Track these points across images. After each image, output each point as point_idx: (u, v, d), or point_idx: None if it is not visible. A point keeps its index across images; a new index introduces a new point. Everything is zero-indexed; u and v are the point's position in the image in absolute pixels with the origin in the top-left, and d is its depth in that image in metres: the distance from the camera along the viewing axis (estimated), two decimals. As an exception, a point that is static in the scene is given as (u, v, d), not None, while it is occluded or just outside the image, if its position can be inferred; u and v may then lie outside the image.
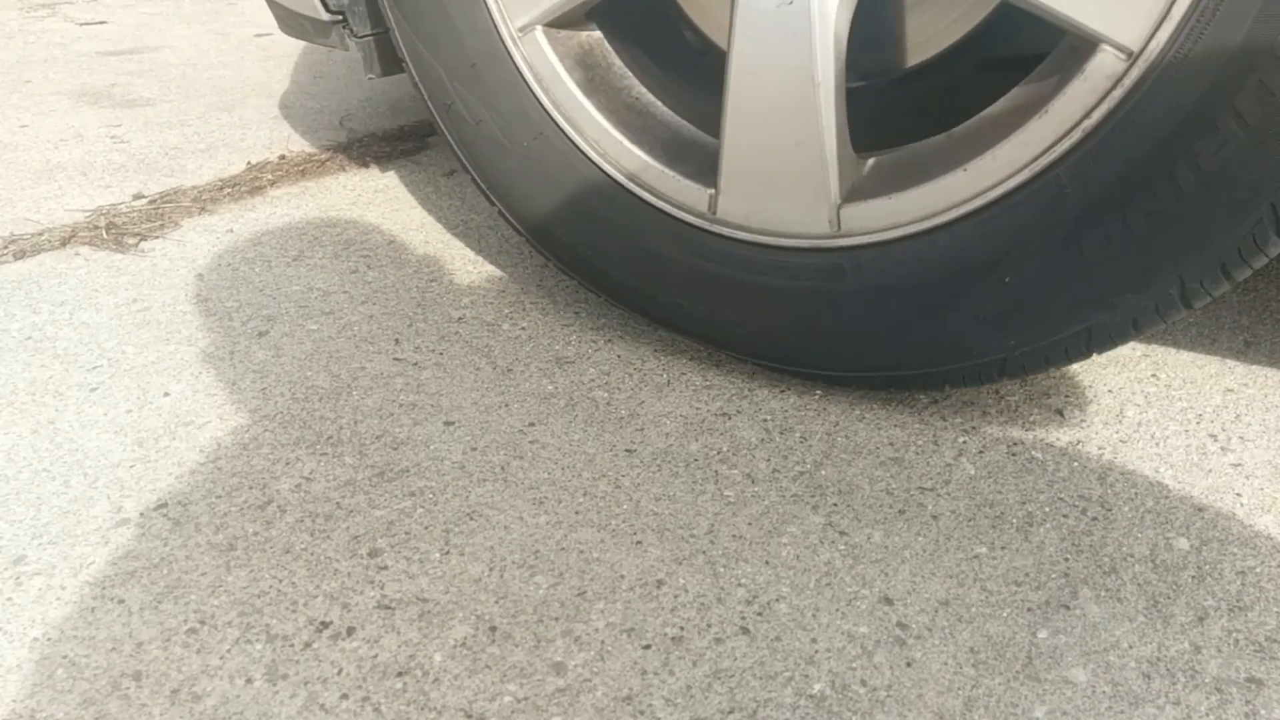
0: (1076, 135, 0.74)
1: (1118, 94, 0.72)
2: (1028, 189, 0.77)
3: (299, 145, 1.61)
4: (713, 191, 0.89)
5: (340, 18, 1.14)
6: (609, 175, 0.94)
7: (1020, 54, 1.06)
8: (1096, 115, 0.73)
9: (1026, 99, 0.79)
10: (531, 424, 0.89)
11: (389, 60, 1.15)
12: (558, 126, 0.95)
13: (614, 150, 0.93)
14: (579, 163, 0.96)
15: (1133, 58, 0.71)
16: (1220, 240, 0.73)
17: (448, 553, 0.73)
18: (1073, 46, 0.75)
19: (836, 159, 0.83)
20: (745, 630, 0.67)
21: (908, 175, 0.84)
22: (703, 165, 0.91)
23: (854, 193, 0.85)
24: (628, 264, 0.97)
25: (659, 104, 0.98)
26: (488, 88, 0.98)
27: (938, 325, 0.85)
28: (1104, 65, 0.72)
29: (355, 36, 1.14)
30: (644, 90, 0.99)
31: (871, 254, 0.85)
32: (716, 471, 0.83)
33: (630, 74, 0.99)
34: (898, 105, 1.16)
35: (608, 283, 1.00)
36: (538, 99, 0.96)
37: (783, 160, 0.85)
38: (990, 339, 0.83)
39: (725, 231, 0.90)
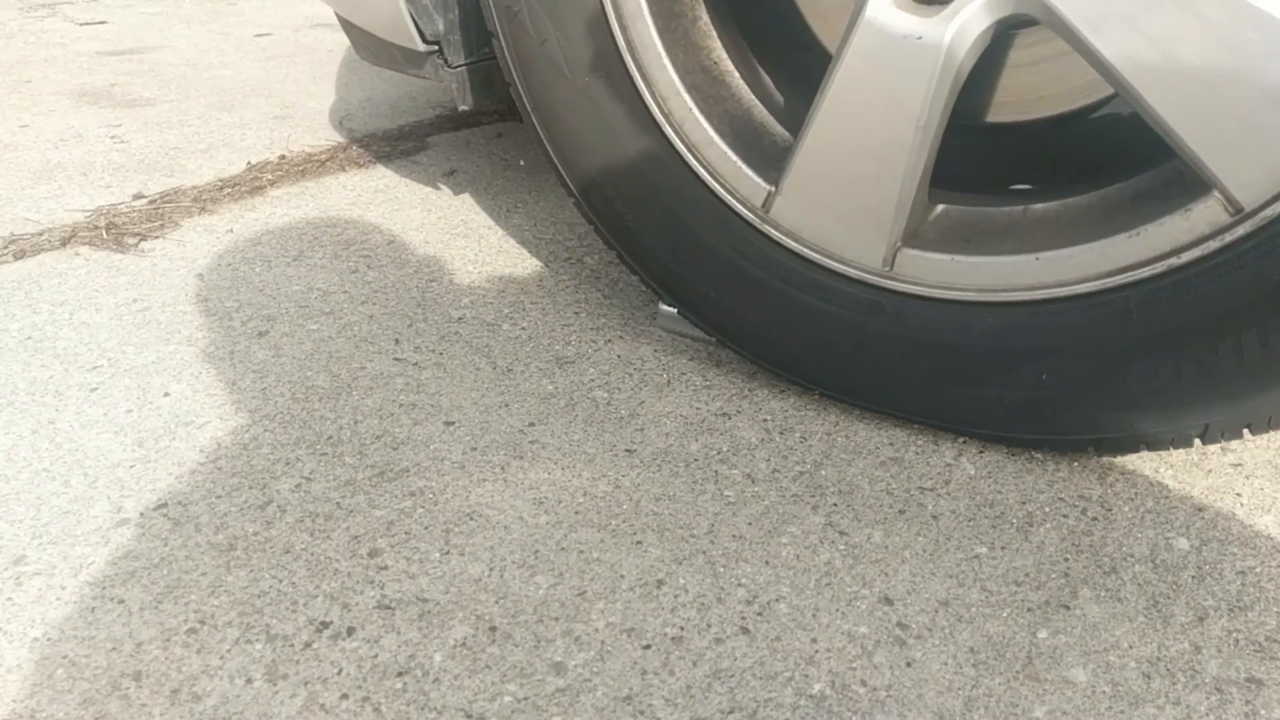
0: (1160, 268, 0.72)
1: (1214, 244, 0.69)
2: (1094, 299, 0.75)
3: (299, 145, 1.61)
4: (772, 190, 0.84)
5: (435, 47, 1.09)
6: (667, 138, 0.88)
7: (1117, 154, 1.01)
8: (1186, 257, 0.71)
9: (1118, 206, 0.76)
10: (531, 424, 0.89)
11: (480, 91, 1.12)
12: (626, 70, 0.88)
13: (679, 114, 0.87)
14: (639, 115, 0.89)
15: (1241, 216, 0.68)
16: (1259, 407, 0.73)
17: (448, 553, 0.73)
18: (1181, 175, 0.72)
19: (911, 202, 0.79)
20: (745, 630, 0.67)
21: (974, 239, 0.80)
22: (768, 158, 0.86)
23: (915, 237, 0.82)
24: (661, 234, 0.92)
25: (736, 75, 0.91)
26: (562, 8, 0.90)
27: (960, 392, 0.83)
28: (1210, 212, 0.69)
29: (449, 67, 1.10)
30: (724, 56, 0.91)
31: (916, 305, 0.82)
32: (716, 471, 0.83)
33: (715, 35, 0.91)
34: (985, 154, 1.10)
35: (635, 246, 0.95)
36: (613, 35, 0.88)
37: (856, 187, 0.81)
38: (1005, 420, 0.83)
39: (773, 234, 0.86)
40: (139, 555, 0.73)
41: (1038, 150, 1.10)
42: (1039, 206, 0.80)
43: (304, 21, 2.66)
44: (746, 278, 0.89)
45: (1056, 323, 0.77)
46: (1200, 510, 0.79)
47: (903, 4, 0.75)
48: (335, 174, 1.49)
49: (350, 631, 0.66)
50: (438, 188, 1.44)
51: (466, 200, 1.40)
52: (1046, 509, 0.79)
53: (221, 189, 1.41)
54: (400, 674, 0.63)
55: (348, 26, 1.28)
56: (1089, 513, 0.79)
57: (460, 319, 1.07)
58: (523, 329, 1.05)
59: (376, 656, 0.65)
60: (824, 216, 0.83)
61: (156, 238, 1.26)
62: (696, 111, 0.87)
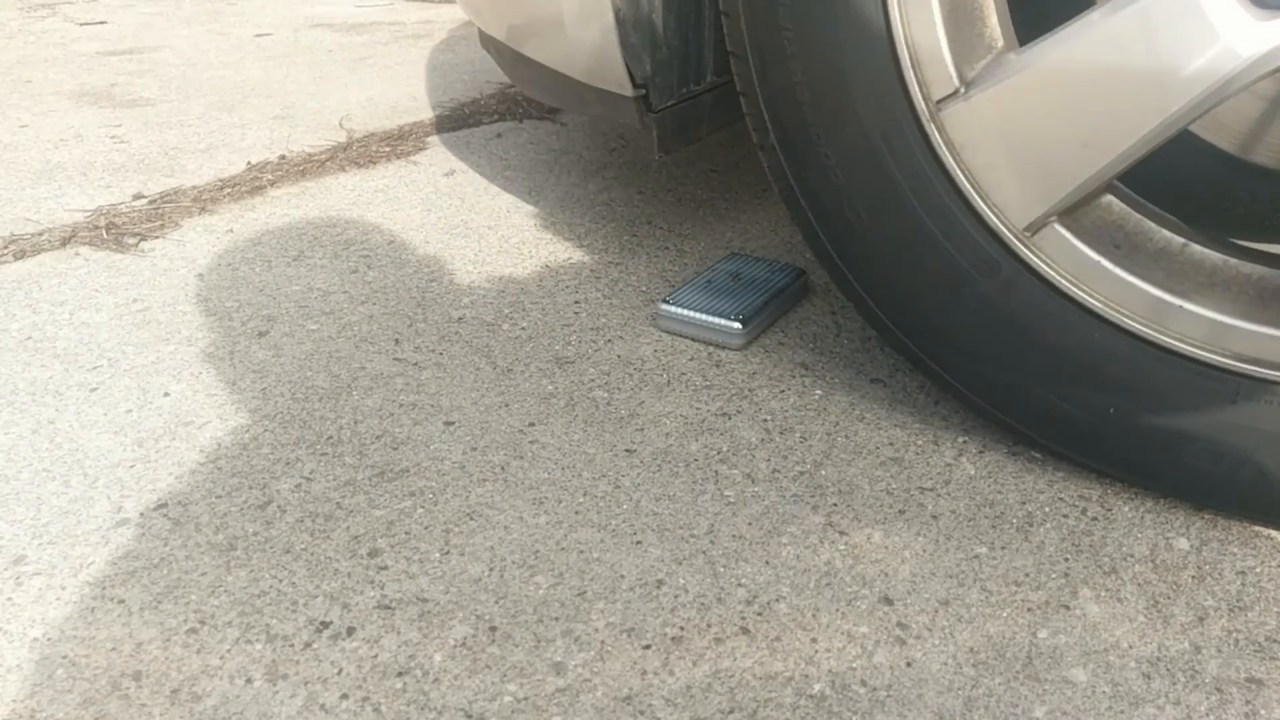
0: None
1: None
2: (1208, 370, 0.72)
3: (299, 145, 1.61)
4: (959, 89, 0.73)
5: (644, 91, 1.01)
6: None
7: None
8: None
9: (1276, 296, 0.71)
10: (531, 424, 0.89)
11: (676, 136, 1.06)
12: None
13: None
14: None
15: None
16: None
17: (448, 553, 0.73)
18: None
19: (1096, 185, 0.72)
20: (745, 630, 0.67)
21: (1125, 248, 0.74)
22: (968, 50, 0.74)
23: (1071, 217, 0.74)
24: (815, 75, 0.79)
25: None
26: None
27: (1019, 383, 0.79)
28: None
29: (652, 111, 1.02)
30: None
31: (1033, 285, 0.76)
32: (716, 471, 0.83)
33: None
34: (1173, 160, 1.00)
35: (774, 71, 0.81)
36: None
37: (1056, 142, 0.71)
38: (1043, 426, 0.80)
39: (932, 138, 0.75)
40: (139, 555, 0.73)
41: (1226, 186, 1.02)
42: (1199, 249, 0.74)
43: (304, 21, 2.66)
44: (877, 168, 0.79)
45: (1159, 370, 0.74)
46: (1200, 510, 0.79)
47: None
48: (335, 174, 1.49)
49: (350, 631, 0.66)
50: (438, 188, 1.44)
51: (466, 200, 1.40)
52: (1046, 509, 0.79)
53: (221, 189, 1.41)
54: (400, 674, 0.63)
55: (517, 62, 1.18)
56: (1089, 513, 0.79)
57: (460, 319, 1.07)
58: (523, 329, 1.05)
59: (376, 656, 0.65)
60: (999, 148, 0.74)
61: (156, 238, 1.26)
62: None
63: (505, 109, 1.82)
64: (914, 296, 0.82)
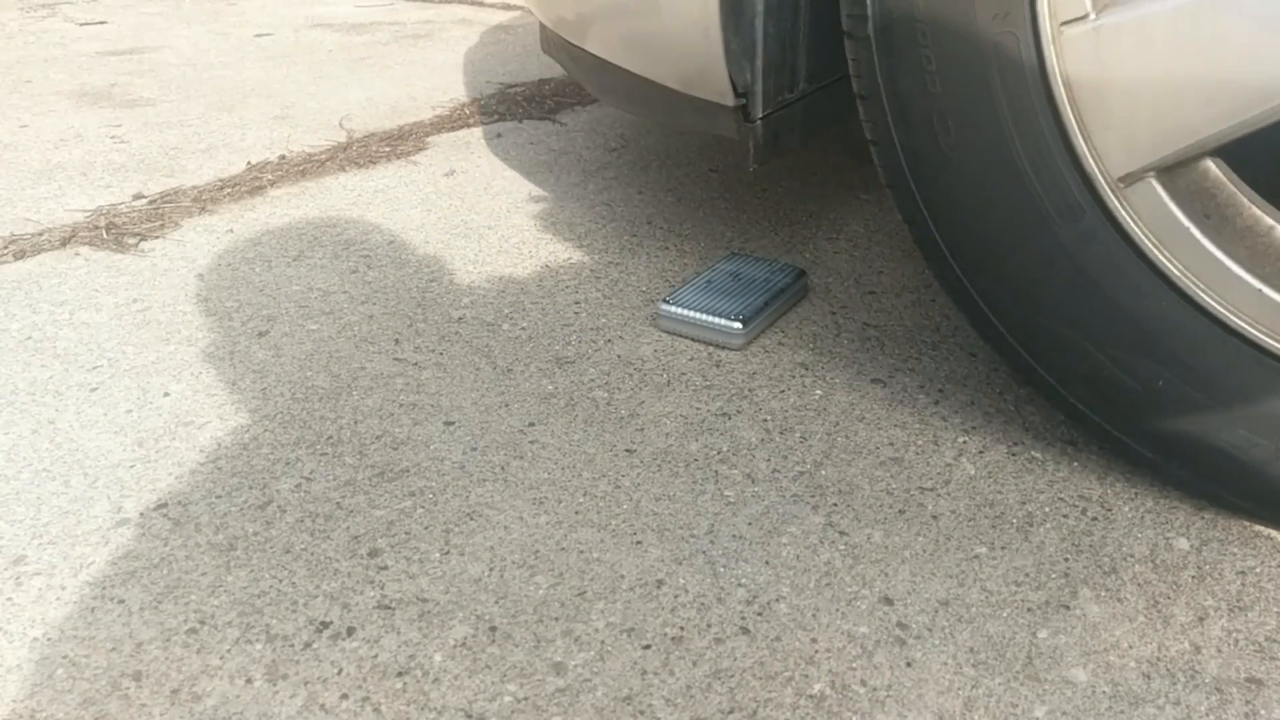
0: None
1: None
2: (1273, 363, 0.70)
3: (299, 145, 1.61)
4: (1090, 14, 0.68)
5: (744, 101, 0.98)
6: None
7: None
8: None
9: None
10: (531, 424, 0.89)
11: (770, 147, 1.03)
12: None
13: None
14: None
15: None
16: None
17: (448, 553, 0.73)
18: None
19: (1209, 148, 0.68)
20: (745, 630, 0.67)
21: (1214, 218, 0.71)
22: None
23: (1169, 176, 0.70)
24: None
25: None
26: None
27: (1070, 337, 0.77)
28: None
29: (749, 120, 0.99)
30: None
31: (1113, 240, 0.72)
32: (716, 471, 0.83)
33: None
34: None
35: None
36: None
37: (1179, 89, 0.66)
38: (1081, 386, 0.78)
39: (1048, 61, 0.70)
40: (139, 555, 0.73)
41: None
42: None
43: (304, 21, 2.66)
44: (980, 83, 0.74)
45: (1222, 353, 0.71)
46: (1200, 510, 0.79)
47: None
48: (335, 174, 1.49)
49: (350, 631, 0.66)
50: (438, 188, 1.44)
51: (466, 200, 1.40)
52: (1046, 509, 0.79)
53: (221, 189, 1.41)
54: (400, 674, 0.63)
55: (598, 70, 1.13)
56: (1089, 513, 0.79)
57: (460, 319, 1.07)
58: (523, 329, 1.05)
59: (376, 656, 0.65)
60: (1115, 87, 0.69)
61: (156, 238, 1.26)
62: None
63: (505, 109, 1.82)
64: (982, 227, 0.78)
